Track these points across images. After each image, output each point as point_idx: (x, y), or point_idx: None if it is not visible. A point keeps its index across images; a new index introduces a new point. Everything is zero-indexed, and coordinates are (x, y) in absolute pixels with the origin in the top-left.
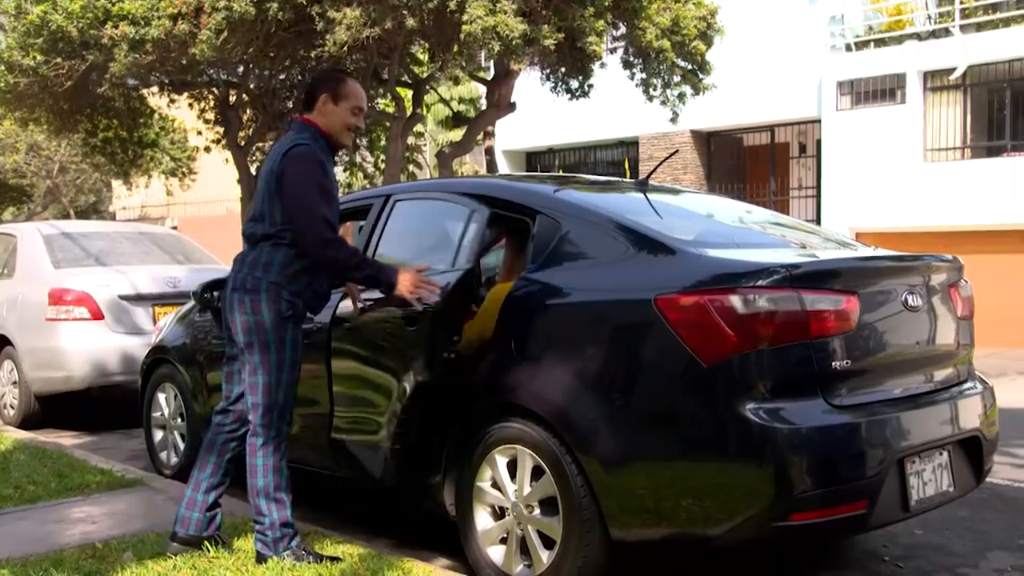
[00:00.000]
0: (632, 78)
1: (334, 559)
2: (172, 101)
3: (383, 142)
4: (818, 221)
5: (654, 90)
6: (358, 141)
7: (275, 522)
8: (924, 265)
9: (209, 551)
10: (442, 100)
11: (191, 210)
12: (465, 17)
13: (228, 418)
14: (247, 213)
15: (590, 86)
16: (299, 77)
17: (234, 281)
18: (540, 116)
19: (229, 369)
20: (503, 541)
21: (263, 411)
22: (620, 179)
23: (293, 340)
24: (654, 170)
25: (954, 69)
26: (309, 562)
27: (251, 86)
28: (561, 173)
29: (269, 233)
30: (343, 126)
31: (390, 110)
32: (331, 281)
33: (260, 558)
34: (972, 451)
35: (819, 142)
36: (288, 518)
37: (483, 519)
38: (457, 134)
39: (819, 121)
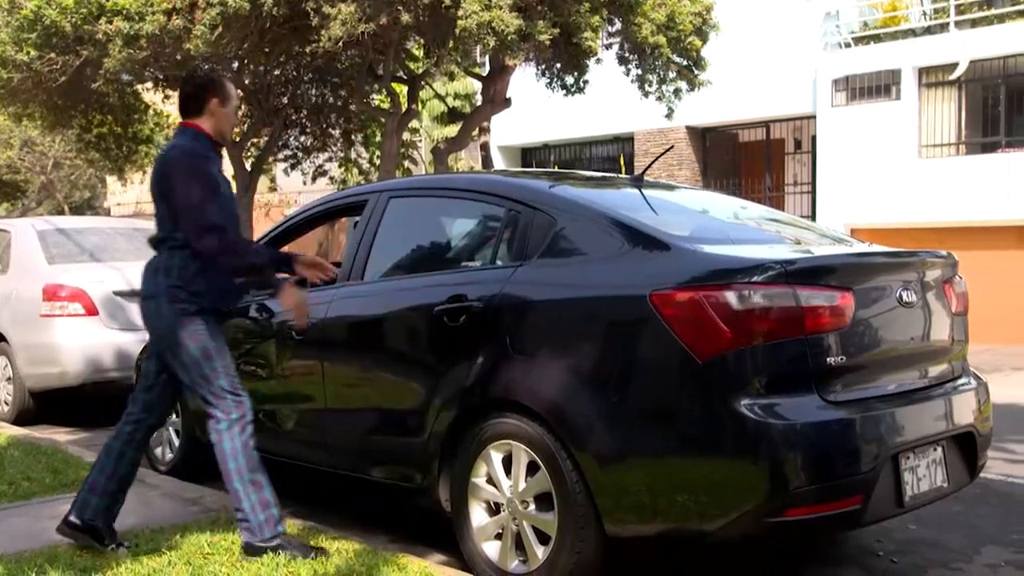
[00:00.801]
0: (627, 74)
1: (321, 550)
2: (167, 97)
3: (378, 138)
4: (813, 217)
5: (649, 86)
6: (353, 137)
7: (255, 504)
8: (919, 261)
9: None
10: (437, 96)
11: None
12: (460, 12)
13: (135, 406)
14: None
15: (585, 82)
16: (294, 73)
17: (143, 289)
18: (535, 112)
19: (145, 363)
20: (498, 537)
21: (213, 397)
22: (615, 175)
23: (209, 330)
24: (649, 166)
25: (954, 66)
26: (294, 554)
27: (246, 82)
28: (556, 169)
29: (164, 237)
30: (230, 123)
31: (385, 106)
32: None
33: (248, 548)
34: (966, 447)
35: (814, 138)
36: (268, 499)
37: (478, 515)
38: (452, 130)
39: (814, 117)
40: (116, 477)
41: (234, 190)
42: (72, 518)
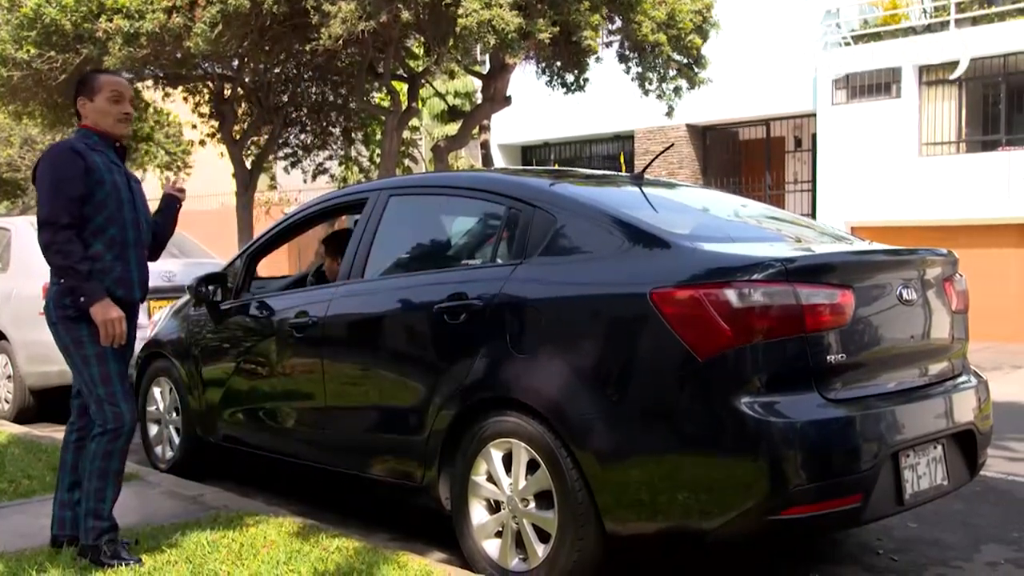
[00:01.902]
0: (628, 72)
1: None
2: (167, 95)
3: (378, 136)
4: (813, 215)
5: (650, 84)
6: (353, 135)
7: (97, 508)
8: (919, 259)
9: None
10: (437, 94)
11: (185, 204)
12: (460, 10)
13: (73, 415)
14: None
15: (586, 80)
16: (294, 71)
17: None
18: (536, 110)
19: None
20: (499, 535)
21: (93, 404)
22: (616, 173)
23: (91, 335)
24: (649, 164)
25: (954, 64)
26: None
27: (246, 80)
28: (557, 167)
29: None
30: (107, 115)
31: (385, 104)
32: (131, 263)
33: (82, 550)
34: (966, 445)
35: (815, 136)
36: (103, 511)
37: (478, 513)
38: (452, 128)
39: (815, 115)
40: (77, 488)
41: (234, 188)
42: (55, 533)
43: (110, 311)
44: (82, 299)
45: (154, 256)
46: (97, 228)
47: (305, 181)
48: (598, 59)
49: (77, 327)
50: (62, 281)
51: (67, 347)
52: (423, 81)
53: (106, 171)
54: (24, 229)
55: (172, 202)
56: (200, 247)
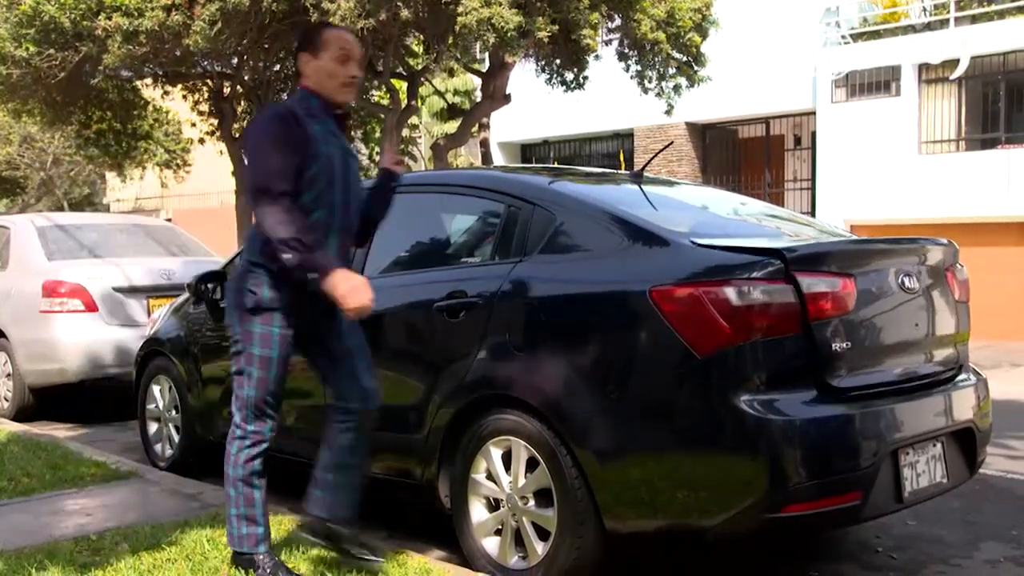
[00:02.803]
0: (627, 70)
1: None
2: (166, 93)
3: (378, 134)
4: (813, 213)
5: (649, 82)
6: (353, 133)
7: (241, 515)
8: (920, 248)
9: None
10: (437, 92)
11: (185, 202)
12: (460, 8)
13: (335, 401)
14: None
15: (585, 78)
16: (293, 69)
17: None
18: (535, 108)
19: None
20: (498, 533)
21: (237, 404)
22: (615, 171)
23: (262, 336)
24: (649, 162)
25: (955, 62)
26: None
27: (245, 78)
28: (556, 165)
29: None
30: (330, 77)
31: (385, 102)
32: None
33: (233, 557)
34: (966, 442)
35: (814, 134)
36: (256, 515)
37: (478, 511)
38: (452, 126)
39: (814, 113)
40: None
41: (234, 186)
42: (318, 515)
43: (352, 278)
44: (311, 276)
45: (361, 241)
46: (302, 208)
47: None
48: (597, 57)
49: (251, 321)
50: (288, 257)
51: (236, 337)
52: (422, 79)
53: (323, 143)
54: (24, 227)
55: (388, 179)
56: (200, 245)
